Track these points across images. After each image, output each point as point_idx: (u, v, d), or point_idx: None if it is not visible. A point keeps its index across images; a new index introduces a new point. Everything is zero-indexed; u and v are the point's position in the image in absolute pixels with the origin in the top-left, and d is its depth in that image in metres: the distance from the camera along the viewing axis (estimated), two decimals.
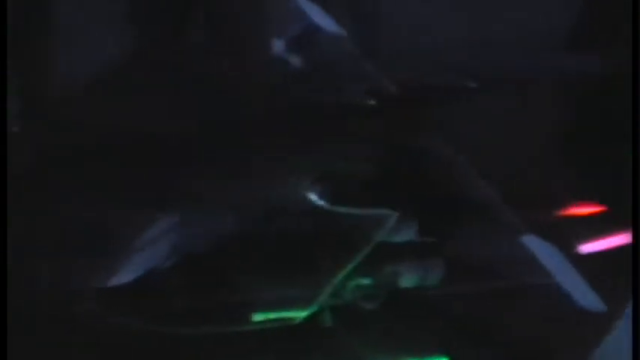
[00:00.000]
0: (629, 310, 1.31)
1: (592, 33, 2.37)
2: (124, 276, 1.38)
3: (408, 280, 1.45)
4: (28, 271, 1.44)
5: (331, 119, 1.31)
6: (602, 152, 2.06)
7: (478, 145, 1.73)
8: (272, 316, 1.41)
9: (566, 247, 1.57)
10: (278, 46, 2.25)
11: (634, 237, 1.35)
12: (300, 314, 1.40)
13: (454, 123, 1.42)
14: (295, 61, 2.12)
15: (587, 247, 1.59)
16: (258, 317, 1.41)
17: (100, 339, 1.40)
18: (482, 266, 1.49)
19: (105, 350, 1.41)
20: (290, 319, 1.41)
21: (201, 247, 1.38)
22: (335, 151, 1.34)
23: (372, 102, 1.27)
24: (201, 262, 1.37)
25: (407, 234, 1.41)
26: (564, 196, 1.63)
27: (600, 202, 1.61)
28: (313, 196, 1.35)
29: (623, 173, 1.84)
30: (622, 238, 1.61)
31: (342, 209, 1.36)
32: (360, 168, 1.40)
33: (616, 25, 2.11)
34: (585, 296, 1.18)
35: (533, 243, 1.20)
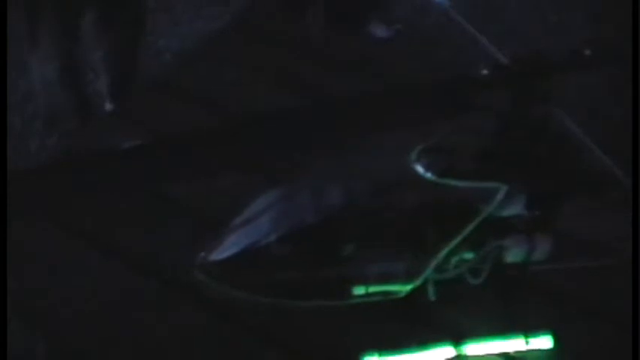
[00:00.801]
0: None
1: None
2: (228, 249, 1.39)
3: (513, 254, 1.42)
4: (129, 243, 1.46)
5: (440, 92, 1.28)
6: None
7: (597, 118, 1.69)
8: (377, 289, 1.40)
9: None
10: (388, 21, 2.24)
11: (634, 236, 1.30)
12: (405, 288, 1.39)
13: (570, 96, 1.38)
14: (404, 34, 2.10)
15: None
16: (359, 291, 1.41)
17: (203, 308, 1.42)
18: (590, 242, 1.46)
19: (207, 318, 1.43)
20: (395, 292, 1.40)
21: (305, 221, 1.37)
22: (443, 124, 1.32)
23: (484, 74, 1.24)
24: (304, 236, 1.37)
25: (515, 208, 1.38)
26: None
27: None
28: (420, 169, 1.33)
29: None
30: None
31: (450, 182, 1.34)
32: (468, 141, 1.38)
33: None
34: None
35: None
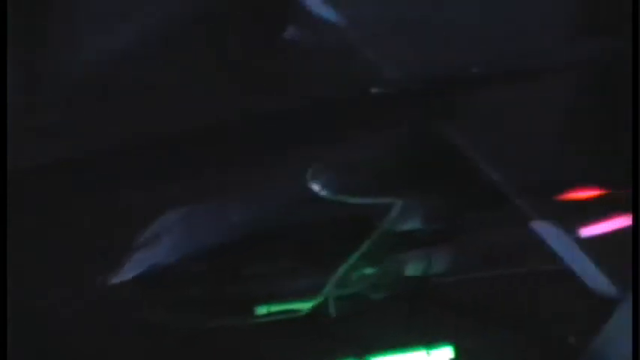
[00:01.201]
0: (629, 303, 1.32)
1: (595, 17, 2.37)
2: (131, 270, 1.37)
3: (413, 268, 1.44)
4: (31, 269, 1.43)
5: (335, 109, 1.30)
6: (603, 137, 2.07)
7: (488, 132, 1.73)
8: (277, 308, 1.40)
9: (571, 232, 1.57)
10: (282, 37, 2.23)
11: (634, 235, 1.34)
12: (307, 305, 1.40)
13: (463, 110, 1.41)
14: (299, 51, 2.11)
15: (590, 231, 1.59)
16: (262, 310, 1.40)
17: (107, 332, 1.39)
18: (490, 253, 1.49)
19: (111, 343, 1.40)
20: (297, 310, 1.40)
21: (208, 240, 1.37)
22: (339, 141, 1.33)
23: (377, 90, 1.26)
24: (207, 255, 1.36)
25: (413, 222, 1.40)
26: (568, 182, 1.63)
27: (601, 186, 1.60)
28: (317, 186, 1.34)
29: (623, 156, 1.84)
30: (623, 221, 1.61)
31: (346, 198, 1.35)
32: (364, 157, 1.39)
33: (617, 9, 2.11)
34: (596, 280, 1.17)
35: (543, 229, 1.20)
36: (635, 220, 1.37)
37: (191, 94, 1.77)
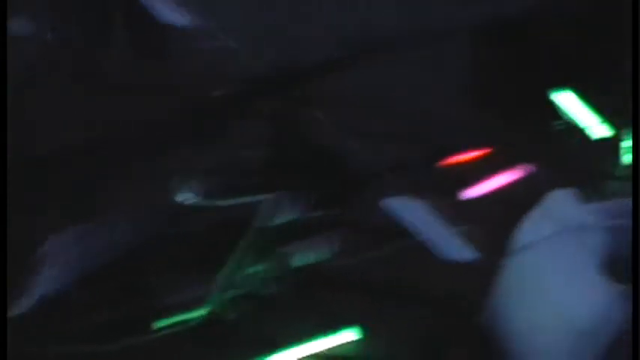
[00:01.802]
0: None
1: None
2: (24, 302, 1.36)
3: (303, 258, 1.46)
4: None
5: (199, 110, 1.31)
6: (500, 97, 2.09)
7: (356, 113, 1.75)
8: (174, 319, 1.41)
9: (452, 195, 1.60)
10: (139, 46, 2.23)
11: (634, 235, 1.36)
12: (199, 313, 1.40)
13: (329, 95, 1.42)
14: (158, 59, 2.10)
15: (475, 191, 1.62)
16: (161, 324, 1.41)
17: None
18: (371, 233, 1.50)
19: None
20: (191, 319, 1.41)
21: (100, 261, 1.37)
22: (206, 142, 1.34)
23: (237, 88, 1.27)
24: (101, 276, 1.36)
25: (292, 213, 1.41)
26: (455, 145, 1.65)
27: (481, 147, 1.63)
28: (185, 195, 1.35)
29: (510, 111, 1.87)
30: (509, 176, 1.64)
31: (219, 202, 1.36)
32: (231, 156, 1.40)
33: None
34: (454, 248, 1.19)
35: (399, 205, 1.21)
36: (635, 220, 1.38)
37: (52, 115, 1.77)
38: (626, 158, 2.02)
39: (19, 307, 1.36)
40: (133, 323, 1.39)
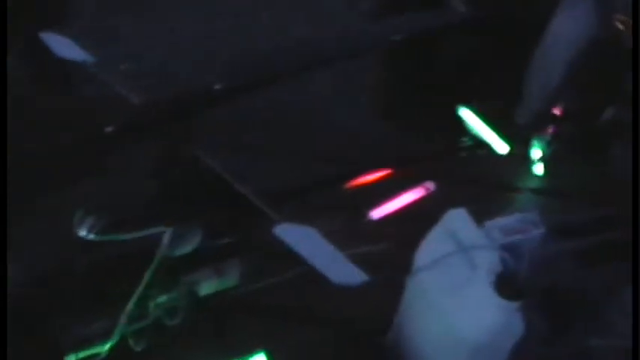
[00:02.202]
0: None
1: None
2: None
3: (207, 286, 1.46)
4: None
5: (91, 149, 1.31)
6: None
7: (266, 132, 1.76)
8: (84, 354, 1.40)
9: (357, 215, 1.62)
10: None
11: (634, 235, 1.38)
12: (107, 346, 1.40)
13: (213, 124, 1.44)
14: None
15: (381, 211, 1.64)
16: (71, 359, 1.40)
17: None
18: (273, 258, 1.52)
19: None
20: (97, 353, 1.40)
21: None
22: (104, 180, 1.34)
23: (129, 123, 1.28)
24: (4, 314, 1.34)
25: (192, 243, 1.42)
26: (353, 168, 1.67)
27: (387, 166, 1.66)
28: (82, 232, 1.35)
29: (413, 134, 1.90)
30: (411, 196, 1.67)
31: (116, 237, 1.36)
32: (128, 193, 1.41)
33: None
34: (343, 273, 1.21)
35: (287, 232, 1.22)
36: (635, 220, 1.40)
37: None
38: (535, 170, 2.08)
39: None
40: (46, 358, 1.38)
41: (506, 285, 1.27)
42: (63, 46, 1.49)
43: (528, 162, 2.03)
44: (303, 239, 1.20)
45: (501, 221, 1.43)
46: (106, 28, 2.07)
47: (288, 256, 1.51)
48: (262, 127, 1.82)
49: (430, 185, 1.67)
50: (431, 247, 1.39)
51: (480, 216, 1.44)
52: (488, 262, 1.29)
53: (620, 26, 2.62)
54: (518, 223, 1.43)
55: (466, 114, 1.79)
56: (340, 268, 1.20)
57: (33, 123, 1.75)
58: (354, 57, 2.02)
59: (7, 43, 2.02)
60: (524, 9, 2.73)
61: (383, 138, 2.07)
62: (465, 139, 1.78)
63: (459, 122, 1.79)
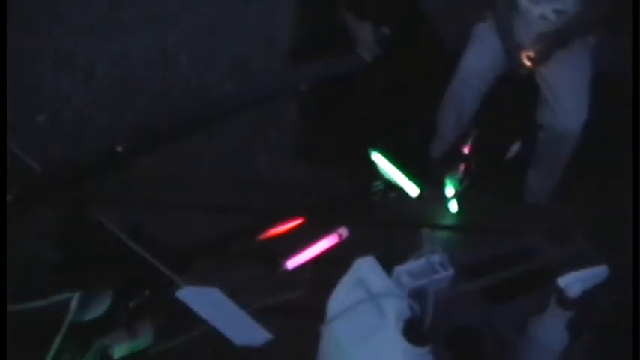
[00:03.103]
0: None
1: None
2: None
3: (121, 348, 1.45)
4: None
5: None
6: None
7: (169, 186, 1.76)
8: None
9: (274, 266, 1.63)
10: None
11: (634, 236, 1.38)
12: None
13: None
14: None
15: (296, 261, 1.66)
16: None
17: None
18: (184, 315, 1.51)
19: None
20: None
21: None
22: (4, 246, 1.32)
23: (28, 188, 1.26)
24: None
25: (102, 306, 1.41)
26: (267, 218, 1.68)
27: (300, 214, 1.67)
28: None
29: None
30: (325, 243, 1.69)
31: (24, 305, 1.34)
32: (31, 259, 1.39)
33: None
34: (247, 333, 1.21)
35: (190, 295, 1.22)
36: (635, 219, 1.40)
37: None
38: (449, 208, 2.13)
39: None
40: None
41: (413, 330, 1.29)
42: None
43: (442, 201, 2.07)
44: (206, 301, 1.21)
45: (410, 265, 1.45)
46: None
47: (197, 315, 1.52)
48: (172, 180, 1.83)
49: (344, 231, 1.69)
50: (341, 295, 1.41)
51: (391, 260, 1.46)
52: (396, 309, 1.32)
53: (527, 62, 2.72)
54: (427, 266, 1.46)
55: (377, 157, 1.82)
56: (244, 329, 1.20)
57: None
58: (267, 100, 2.04)
59: (6, 42, 1.98)
60: (435, 45, 2.81)
61: (298, 183, 2.09)
62: (376, 183, 1.81)
63: (369, 166, 1.82)
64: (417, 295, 1.37)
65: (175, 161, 1.80)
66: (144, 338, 1.46)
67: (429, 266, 1.45)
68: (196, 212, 1.71)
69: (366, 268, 1.39)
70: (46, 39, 3.44)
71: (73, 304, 1.35)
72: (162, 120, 1.56)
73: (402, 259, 1.49)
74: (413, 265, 1.45)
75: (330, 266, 1.60)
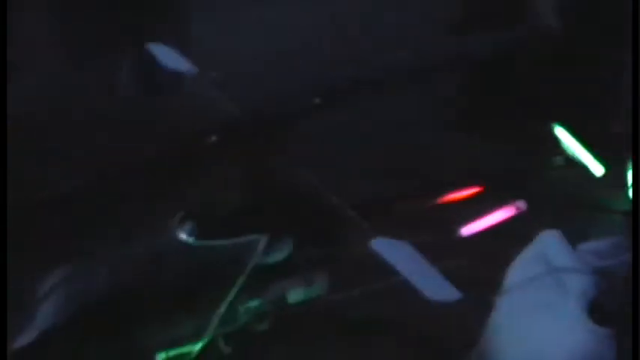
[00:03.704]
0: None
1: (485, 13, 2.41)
2: (21, 339, 1.40)
3: (295, 295, 1.49)
4: None
5: (189, 157, 1.35)
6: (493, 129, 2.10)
7: (346, 150, 1.78)
8: (174, 352, 1.44)
9: (445, 232, 1.62)
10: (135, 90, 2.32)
11: (634, 235, 1.37)
12: (195, 347, 1.44)
13: (309, 137, 1.46)
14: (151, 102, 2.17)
15: (470, 229, 1.64)
16: (161, 357, 1.45)
17: None
18: (359, 271, 1.53)
19: None
20: (187, 353, 1.44)
21: (89, 302, 1.41)
22: (197, 189, 1.38)
23: (226, 133, 1.31)
24: (91, 316, 1.40)
25: (284, 252, 1.45)
26: (447, 182, 1.68)
27: (478, 184, 1.65)
28: (183, 236, 1.39)
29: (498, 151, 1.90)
30: (501, 214, 1.66)
31: (213, 242, 1.40)
32: (226, 198, 1.44)
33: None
34: (438, 288, 1.21)
35: (383, 247, 1.24)
36: (635, 219, 1.39)
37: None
38: (628, 193, 2.03)
39: (18, 342, 1.39)
40: (137, 356, 1.43)
41: (598, 310, 1.26)
42: (168, 57, 1.54)
43: (623, 184, 1.99)
44: (398, 254, 1.22)
45: (594, 245, 1.41)
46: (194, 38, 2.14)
47: (376, 269, 1.54)
48: (346, 141, 1.84)
49: (521, 204, 1.65)
50: (522, 267, 1.38)
51: (572, 238, 1.42)
52: (580, 286, 1.28)
53: None
54: (612, 248, 1.41)
55: (560, 132, 1.76)
56: (435, 284, 1.21)
57: (134, 130, 1.83)
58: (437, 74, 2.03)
59: (6, 42, 2.10)
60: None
61: (468, 155, 2.06)
62: (557, 158, 1.76)
63: (549, 140, 1.77)
64: (603, 275, 1.33)
65: (345, 124, 1.81)
66: (319, 287, 1.50)
67: (615, 248, 1.40)
68: (370, 174, 1.72)
69: (550, 241, 1.36)
70: None
71: (260, 246, 1.39)
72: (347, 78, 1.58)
73: (580, 238, 1.45)
74: (598, 245, 1.41)
75: (505, 238, 1.58)
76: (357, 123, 1.72)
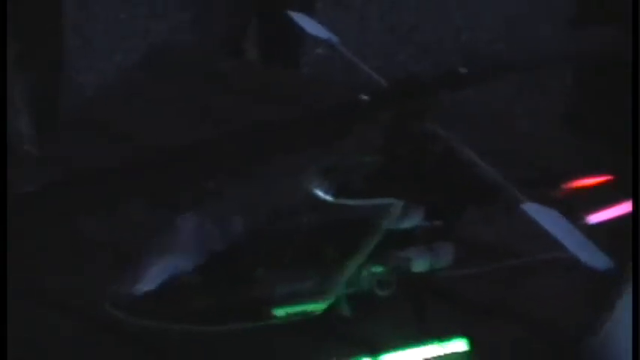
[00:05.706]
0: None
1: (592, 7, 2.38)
2: (146, 284, 1.41)
3: (418, 264, 1.48)
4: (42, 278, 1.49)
5: (329, 117, 1.35)
6: (606, 125, 2.08)
7: (481, 125, 1.77)
8: (293, 310, 1.45)
9: (575, 219, 1.60)
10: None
11: (634, 235, 1.35)
12: (320, 306, 1.44)
13: (454, 106, 1.45)
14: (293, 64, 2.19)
15: (596, 218, 1.62)
16: (279, 312, 1.45)
17: (124, 341, 1.46)
18: (492, 245, 1.52)
19: (129, 351, 1.46)
20: (311, 311, 1.45)
21: (214, 249, 1.41)
22: (337, 147, 1.38)
23: (367, 97, 1.31)
24: (214, 264, 1.41)
25: (414, 220, 1.44)
26: (571, 170, 1.65)
27: (605, 173, 1.63)
28: (319, 192, 1.39)
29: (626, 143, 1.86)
30: (626, 206, 1.63)
31: (348, 201, 1.40)
32: (362, 161, 1.44)
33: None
34: (594, 257, 1.19)
35: (535, 211, 1.23)
36: (635, 218, 1.37)
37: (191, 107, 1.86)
38: None
39: (140, 288, 1.40)
40: (247, 309, 1.43)
41: None
42: (309, 25, 1.55)
43: None
44: (549, 219, 1.21)
45: None
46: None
47: (500, 249, 1.53)
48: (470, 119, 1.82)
49: None
50: None
51: None
52: None
53: None
54: None
55: None
56: (587, 250, 1.19)
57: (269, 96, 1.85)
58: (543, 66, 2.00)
59: (6, 43, 2.13)
60: None
61: (585, 149, 2.03)
62: None
63: None
64: None
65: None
66: (444, 259, 1.49)
67: None
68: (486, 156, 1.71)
69: None
70: None
71: (395, 211, 1.39)
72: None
73: None
74: None
75: (629, 230, 1.55)
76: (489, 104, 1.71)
